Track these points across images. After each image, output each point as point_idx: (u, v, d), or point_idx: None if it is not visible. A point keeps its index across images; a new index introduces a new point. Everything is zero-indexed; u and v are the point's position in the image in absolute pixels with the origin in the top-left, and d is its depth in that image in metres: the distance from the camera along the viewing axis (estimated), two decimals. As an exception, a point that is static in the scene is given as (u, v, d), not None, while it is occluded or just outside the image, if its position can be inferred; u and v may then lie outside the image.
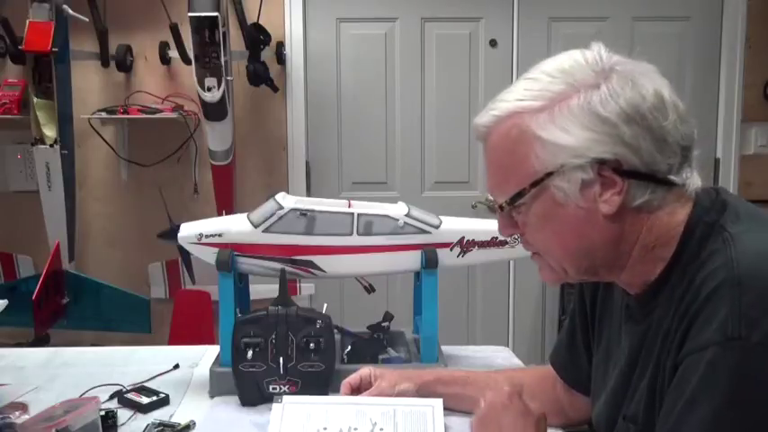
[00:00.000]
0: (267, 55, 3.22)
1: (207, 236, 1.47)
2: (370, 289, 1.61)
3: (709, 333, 0.81)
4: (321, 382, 1.39)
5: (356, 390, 1.31)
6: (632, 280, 0.98)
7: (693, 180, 0.93)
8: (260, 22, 3.14)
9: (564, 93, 0.90)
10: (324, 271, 1.49)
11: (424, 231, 1.49)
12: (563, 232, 0.93)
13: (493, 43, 3.39)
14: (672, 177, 0.91)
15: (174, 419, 1.34)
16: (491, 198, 1.01)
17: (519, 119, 0.92)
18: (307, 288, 3.33)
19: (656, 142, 0.89)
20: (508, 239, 1.49)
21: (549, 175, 0.90)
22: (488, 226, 1.54)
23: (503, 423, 1.07)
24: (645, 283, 0.96)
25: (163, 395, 1.43)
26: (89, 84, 3.27)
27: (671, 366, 0.87)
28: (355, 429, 1.21)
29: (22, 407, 1.38)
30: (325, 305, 1.47)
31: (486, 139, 0.96)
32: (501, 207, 0.97)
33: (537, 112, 0.90)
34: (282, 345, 1.38)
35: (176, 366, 1.60)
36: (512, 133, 0.92)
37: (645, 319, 0.97)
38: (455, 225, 1.52)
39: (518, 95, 0.93)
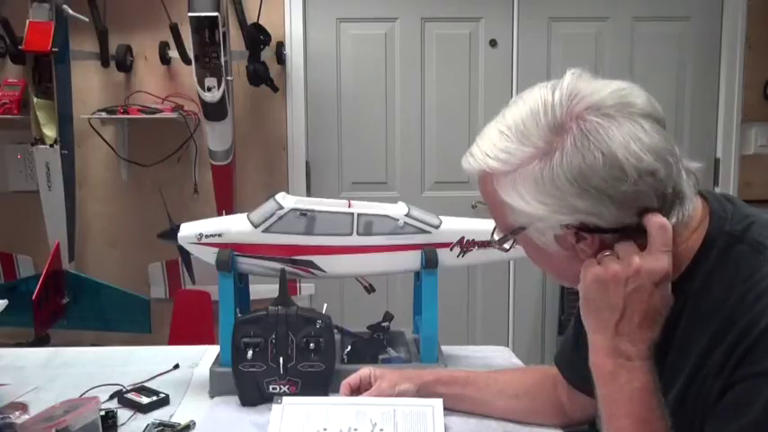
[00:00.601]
0: (267, 55, 3.22)
1: (207, 236, 1.47)
2: (370, 289, 1.61)
3: None
4: (321, 383, 1.39)
5: (356, 390, 1.32)
6: None
7: (685, 209, 0.91)
8: (260, 22, 3.14)
9: (523, 159, 0.89)
10: (324, 271, 1.49)
11: (423, 231, 1.49)
12: (554, 264, 0.98)
13: (493, 43, 3.39)
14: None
15: (174, 419, 1.34)
16: None
17: (489, 179, 0.95)
18: (307, 288, 3.33)
19: (617, 205, 0.87)
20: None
21: (522, 228, 0.94)
22: (488, 226, 1.52)
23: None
24: None
25: (163, 395, 1.43)
26: (89, 84, 3.26)
27: (720, 386, 0.85)
28: (355, 430, 1.21)
29: (22, 407, 1.38)
30: (325, 305, 1.47)
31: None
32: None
33: (501, 176, 0.92)
34: (282, 345, 1.38)
35: (176, 366, 1.60)
36: (488, 189, 0.96)
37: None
38: (455, 225, 1.52)
39: (488, 150, 0.94)
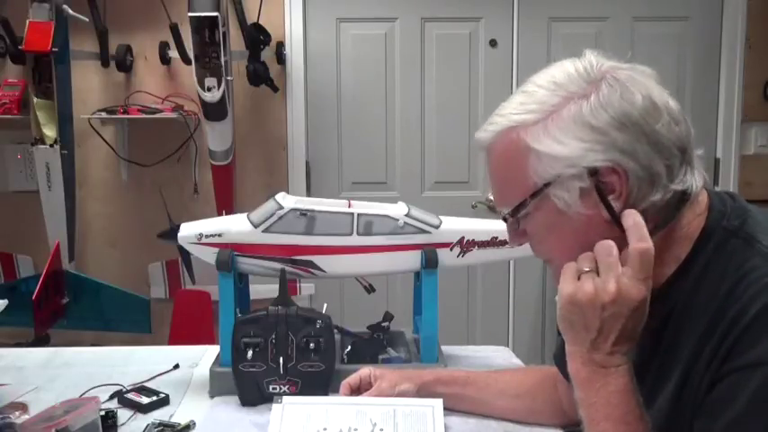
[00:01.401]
0: (267, 55, 3.22)
1: (207, 236, 1.47)
2: (370, 289, 1.61)
3: (760, 352, 0.80)
4: (321, 382, 1.39)
5: (356, 390, 1.32)
6: (656, 277, 0.94)
7: (695, 180, 0.93)
8: (260, 22, 3.14)
9: (557, 104, 0.92)
10: (324, 271, 1.49)
11: (423, 231, 1.49)
12: (566, 239, 0.95)
13: (493, 43, 3.39)
14: (673, 180, 0.91)
15: (174, 419, 1.34)
16: (493, 202, 1.03)
17: (514, 133, 0.93)
18: (307, 288, 3.33)
19: (651, 145, 0.89)
20: (507, 242, 1.49)
21: (548, 185, 0.92)
22: (488, 226, 1.54)
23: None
24: (656, 282, 0.95)
25: (163, 395, 1.43)
26: (89, 84, 3.26)
27: (709, 380, 0.85)
28: (355, 430, 1.21)
29: (22, 407, 1.38)
30: (325, 305, 1.47)
31: (488, 153, 0.99)
32: (505, 218, 1.00)
33: (531, 125, 0.92)
34: (282, 345, 1.38)
35: (176, 366, 1.60)
36: (509, 148, 0.94)
37: (651, 320, 0.96)
38: (455, 225, 1.52)
39: (512, 110, 0.95)
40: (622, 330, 0.90)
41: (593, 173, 0.90)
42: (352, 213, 1.48)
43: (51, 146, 2.84)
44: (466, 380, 1.36)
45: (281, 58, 3.27)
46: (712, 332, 0.86)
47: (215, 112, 2.84)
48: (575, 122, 0.90)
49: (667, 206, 0.92)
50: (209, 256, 1.47)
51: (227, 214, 1.62)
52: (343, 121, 3.42)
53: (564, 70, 0.95)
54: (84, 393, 1.42)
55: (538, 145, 0.91)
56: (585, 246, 0.93)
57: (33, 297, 2.66)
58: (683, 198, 0.93)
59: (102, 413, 1.26)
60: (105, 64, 3.21)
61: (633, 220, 0.89)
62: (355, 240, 1.47)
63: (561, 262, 0.95)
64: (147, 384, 1.49)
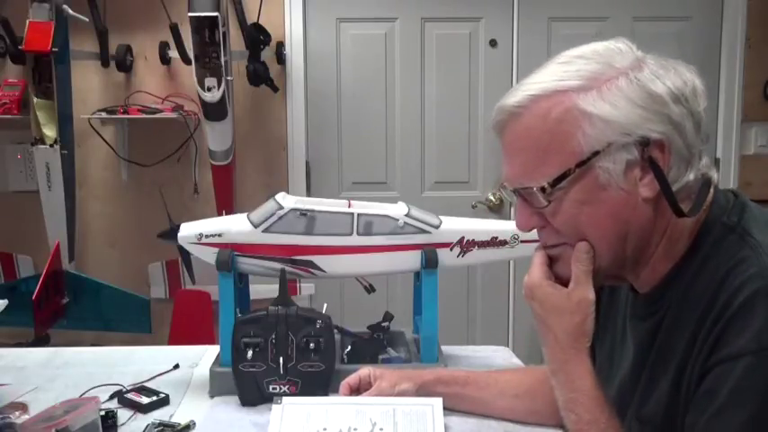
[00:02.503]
0: (267, 55, 3.22)
1: (207, 236, 1.47)
2: (370, 289, 1.61)
3: (743, 342, 0.80)
4: (321, 382, 1.39)
5: (356, 390, 1.32)
6: (650, 276, 0.96)
7: (713, 170, 0.95)
8: (260, 22, 3.14)
9: (606, 73, 0.89)
10: (324, 271, 1.49)
11: (423, 231, 1.49)
12: (601, 216, 0.91)
13: (493, 43, 3.39)
14: (701, 166, 0.92)
15: (174, 419, 1.34)
16: (509, 187, 0.96)
17: (563, 96, 0.89)
18: (307, 288, 3.33)
19: (695, 125, 0.90)
20: (511, 240, 1.49)
21: (596, 154, 0.88)
22: (488, 226, 1.54)
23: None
24: (655, 279, 0.96)
25: (163, 395, 1.43)
26: (89, 84, 3.26)
27: (699, 372, 0.85)
28: (355, 429, 1.21)
29: (22, 407, 1.38)
30: (325, 305, 1.47)
31: (516, 120, 0.92)
32: (522, 195, 0.94)
33: (583, 90, 0.89)
34: (282, 345, 1.38)
35: (176, 366, 1.60)
36: (553, 112, 0.89)
37: (651, 316, 0.96)
38: (455, 225, 1.52)
39: (556, 76, 0.91)
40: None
41: (645, 143, 0.88)
42: (352, 213, 1.48)
43: (51, 146, 2.85)
44: (466, 380, 1.35)
45: (281, 58, 3.27)
46: (703, 324, 0.86)
47: (215, 112, 2.84)
48: (633, 89, 0.88)
49: (698, 190, 0.93)
50: (209, 256, 1.47)
51: (227, 214, 1.62)
52: (343, 121, 3.42)
53: (605, 46, 0.93)
54: (84, 393, 1.42)
55: (592, 108, 0.88)
56: (619, 226, 0.91)
57: (33, 297, 2.66)
58: (708, 185, 0.93)
59: (102, 413, 1.26)
60: (105, 64, 3.21)
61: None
62: (355, 240, 1.47)
63: (593, 242, 0.93)
64: (147, 384, 1.48)
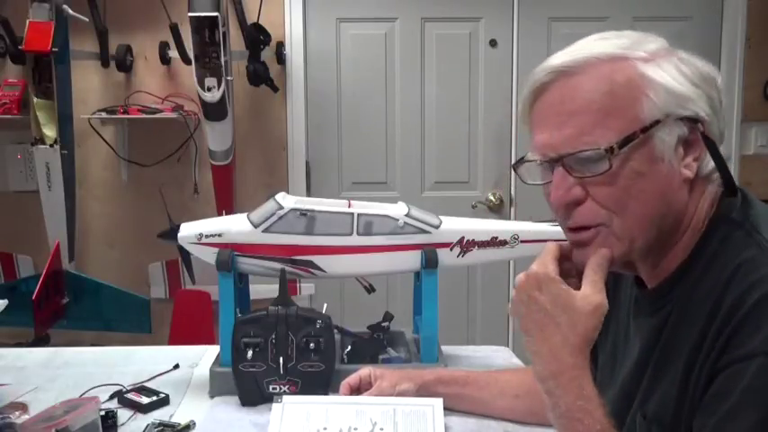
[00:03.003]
0: (267, 55, 3.22)
1: (207, 236, 1.47)
2: (370, 289, 1.61)
3: (756, 343, 0.79)
4: (321, 382, 1.39)
5: (356, 390, 1.32)
6: (666, 266, 0.94)
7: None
8: (260, 22, 3.14)
9: (657, 50, 0.89)
10: (324, 271, 1.49)
11: (423, 231, 1.49)
12: (650, 191, 0.88)
13: (493, 43, 3.39)
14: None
15: (174, 419, 1.34)
16: (551, 154, 0.89)
17: (625, 62, 0.87)
18: (307, 288, 3.33)
19: (722, 116, 0.91)
20: (511, 240, 1.49)
21: (657, 123, 0.86)
22: (488, 226, 1.54)
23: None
24: (666, 272, 0.95)
25: (163, 395, 1.43)
26: (89, 84, 3.26)
27: (708, 373, 0.84)
28: (355, 429, 1.21)
29: (22, 407, 1.38)
30: (325, 305, 1.47)
31: (568, 80, 0.88)
32: (568, 163, 0.88)
33: (642, 59, 0.87)
34: (282, 345, 1.38)
35: (176, 366, 1.60)
36: (617, 74, 0.87)
37: (658, 312, 0.95)
38: (455, 225, 1.52)
39: (606, 45, 0.88)
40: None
41: (696, 121, 0.87)
42: (352, 213, 1.48)
43: (51, 146, 2.84)
44: (466, 380, 1.36)
45: (281, 58, 3.27)
46: (711, 323, 0.85)
47: (215, 112, 2.84)
48: (687, 66, 0.88)
49: (711, 182, 0.92)
50: (209, 256, 1.47)
51: (227, 214, 1.62)
52: (343, 121, 3.42)
53: (638, 33, 0.92)
54: (84, 393, 1.42)
55: (657, 76, 0.86)
56: (663, 204, 0.89)
57: (33, 297, 2.65)
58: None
59: (102, 413, 1.26)
60: (105, 64, 3.21)
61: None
62: (355, 240, 1.47)
63: (636, 217, 0.89)
64: (147, 384, 1.49)
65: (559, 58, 0.89)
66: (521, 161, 0.96)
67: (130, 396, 1.42)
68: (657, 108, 0.86)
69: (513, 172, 1.01)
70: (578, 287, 0.93)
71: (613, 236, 0.91)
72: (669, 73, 0.87)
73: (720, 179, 0.92)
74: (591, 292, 0.91)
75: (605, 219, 0.90)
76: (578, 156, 0.87)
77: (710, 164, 0.91)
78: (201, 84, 2.74)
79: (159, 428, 1.30)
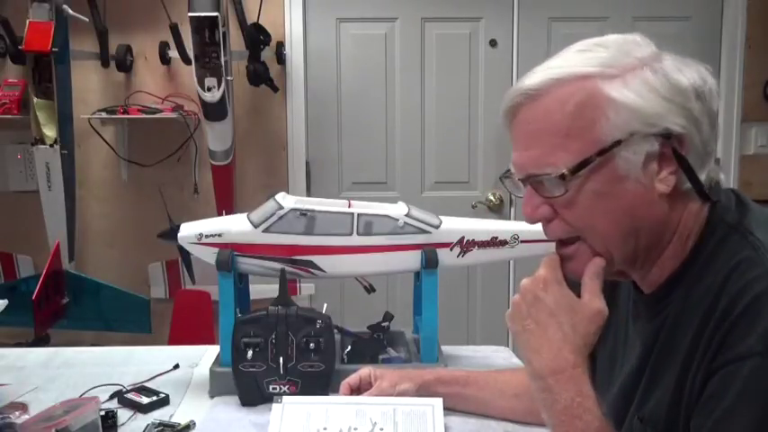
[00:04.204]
0: (267, 55, 3.22)
1: (207, 236, 1.47)
2: (370, 289, 1.61)
3: (750, 343, 0.79)
4: (321, 382, 1.39)
5: (356, 390, 1.32)
6: (657, 275, 0.95)
7: (718, 174, 0.94)
8: (260, 22, 3.14)
9: (630, 64, 0.88)
10: (324, 271, 1.49)
11: (423, 231, 1.49)
12: (616, 210, 0.89)
13: (493, 43, 3.39)
14: (712, 165, 0.91)
15: (174, 419, 1.34)
16: (519, 174, 0.93)
17: (587, 82, 0.87)
18: (307, 288, 3.33)
19: (711, 124, 0.89)
20: (511, 240, 1.49)
21: (618, 143, 0.86)
22: (488, 226, 1.54)
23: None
24: (661, 278, 0.95)
25: (163, 395, 1.43)
26: (89, 84, 3.26)
27: (703, 374, 0.84)
28: (355, 429, 1.21)
29: (22, 407, 1.38)
30: (325, 305, 1.47)
31: (533, 103, 0.89)
32: (534, 184, 0.91)
33: (607, 77, 0.87)
34: (282, 345, 1.38)
35: (176, 366, 1.60)
36: (577, 96, 0.87)
37: (656, 317, 0.95)
38: (455, 225, 1.52)
39: (578, 62, 0.88)
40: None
41: (667, 136, 0.86)
42: (352, 213, 1.48)
43: (51, 146, 2.85)
44: (466, 380, 1.35)
45: (281, 58, 3.27)
46: (706, 325, 0.85)
47: (215, 112, 2.84)
48: (659, 79, 0.86)
49: (709, 189, 0.91)
50: (209, 256, 1.47)
51: (227, 214, 1.61)
52: (343, 121, 3.42)
53: (622, 37, 0.91)
54: (84, 393, 1.42)
55: (618, 95, 0.85)
56: (634, 221, 0.89)
57: (33, 297, 2.65)
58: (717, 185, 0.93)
59: (102, 413, 1.26)
60: (105, 64, 3.21)
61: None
62: (355, 240, 1.47)
63: (604, 235, 0.90)
64: (147, 384, 1.48)
65: (529, 80, 0.90)
66: (506, 174, 0.98)
67: (130, 396, 1.42)
68: (617, 128, 0.86)
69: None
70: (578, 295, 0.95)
71: (592, 250, 0.93)
72: (635, 91, 0.86)
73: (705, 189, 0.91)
74: (591, 299, 0.93)
75: (580, 233, 0.93)
76: (538, 178, 0.90)
77: (703, 175, 0.90)
78: (201, 84, 2.74)
79: (159, 428, 1.30)
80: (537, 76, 0.89)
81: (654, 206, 0.89)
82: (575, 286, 0.96)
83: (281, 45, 3.27)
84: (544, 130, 0.89)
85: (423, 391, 1.31)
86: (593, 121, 0.86)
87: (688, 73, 0.88)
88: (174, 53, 3.16)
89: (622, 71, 0.87)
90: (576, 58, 0.90)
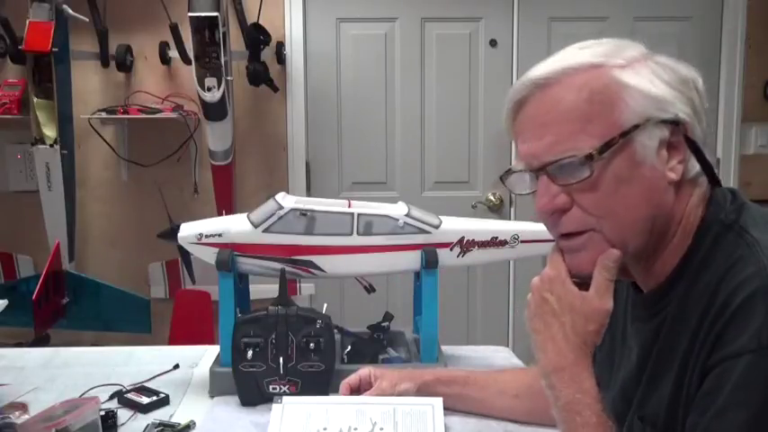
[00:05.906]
0: (267, 55, 3.22)
1: (207, 236, 1.47)
2: (370, 289, 1.61)
3: (744, 340, 0.80)
4: (321, 382, 1.39)
5: (356, 390, 1.32)
6: (659, 271, 0.95)
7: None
8: (260, 22, 3.14)
9: (633, 56, 0.90)
10: (324, 271, 1.49)
11: (423, 231, 1.49)
12: (636, 195, 0.89)
13: (493, 43, 3.39)
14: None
15: (174, 419, 1.34)
16: (534, 164, 0.91)
17: (599, 70, 0.89)
18: (307, 288, 3.33)
19: (706, 120, 0.92)
20: (511, 240, 1.49)
21: (636, 127, 0.87)
22: (488, 226, 1.54)
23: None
24: (661, 276, 0.95)
25: (163, 395, 1.43)
26: (89, 84, 3.26)
27: (700, 372, 0.85)
28: (355, 429, 1.21)
29: (22, 407, 1.38)
30: (325, 305, 1.47)
31: (544, 92, 0.89)
32: (550, 171, 0.89)
33: (618, 66, 0.89)
34: (282, 345, 1.38)
35: (176, 366, 1.60)
36: (592, 83, 0.88)
37: (654, 317, 0.95)
38: (455, 225, 1.52)
39: (584, 54, 0.90)
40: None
41: (677, 123, 0.88)
42: (352, 213, 1.48)
43: (51, 146, 2.85)
44: (466, 380, 1.36)
45: (281, 58, 3.27)
46: (703, 323, 0.86)
47: (215, 112, 2.84)
48: (665, 69, 0.89)
49: (707, 181, 0.93)
50: (209, 256, 1.47)
51: (227, 214, 1.62)
52: (343, 121, 3.42)
53: (617, 39, 0.94)
54: (84, 393, 1.42)
55: (633, 81, 0.87)
56: (650, 208, 0.89)
57: (33, 297, 2.65)
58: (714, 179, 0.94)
59: (102, 413, 1.26)
60: (105, 64, 3.21)
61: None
62: (355, 240, 1.47)
63: (624, 222, 0.90)
64: (147, 384, 1.49)
65: (537, 71, 0.90)
66: (508, 172, 0.98)
67: (130, 396, 1.42)
68: (635, 112, 0.87)
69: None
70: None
71: (606, 241, 0.91)
72: (646, 77, 0.88)
73: (707, 181, 0.94)
74: (593, 296, 0.94)
75: (594, 224, 0.91)
76: (560, 163, 0.89)
77: (696, 167, 0.92)
78: (201, 84, 2.74)
79: (159, 428, 1.30)
80: (545, 67, 0.90)
81: (666, 194, 0.90)
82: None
83: (281, 45, 3.27)
84: (559, 118, 0.89)
85: (423, 391, 1.31)
86: (612, 105, 0.87)
87: (683, 68, 0.92)
88: (174, 53, 3.16)
89: (629, 61, 0.90)
90: (580, 53, 0.91)
